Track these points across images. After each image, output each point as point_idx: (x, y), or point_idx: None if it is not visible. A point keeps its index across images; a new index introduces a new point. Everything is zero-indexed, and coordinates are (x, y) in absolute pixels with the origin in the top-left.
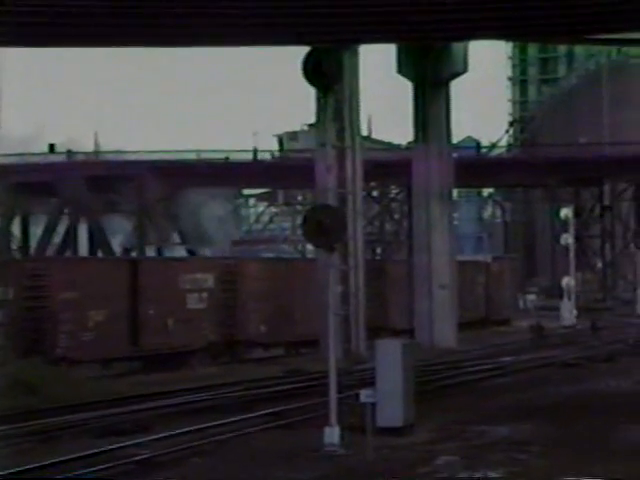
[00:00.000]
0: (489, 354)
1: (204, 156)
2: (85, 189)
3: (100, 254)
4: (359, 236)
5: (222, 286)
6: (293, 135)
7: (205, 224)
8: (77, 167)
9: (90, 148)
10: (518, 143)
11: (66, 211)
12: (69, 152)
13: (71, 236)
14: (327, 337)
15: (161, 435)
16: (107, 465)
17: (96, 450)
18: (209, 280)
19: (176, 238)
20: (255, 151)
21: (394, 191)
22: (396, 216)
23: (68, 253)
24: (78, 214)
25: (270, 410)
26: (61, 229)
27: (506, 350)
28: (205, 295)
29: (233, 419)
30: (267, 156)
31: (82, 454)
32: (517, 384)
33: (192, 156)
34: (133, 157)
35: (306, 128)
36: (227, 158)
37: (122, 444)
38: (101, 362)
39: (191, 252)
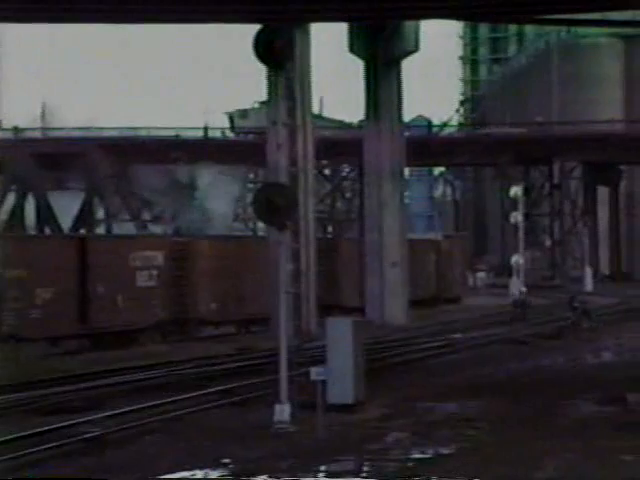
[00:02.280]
0: (439, 331)
1: (154, 133)
2: (33, 166)
3: (48, 231)
4: (310, 214)
5: (172, 264)
6: (244, 113)
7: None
8: (24, 144)
9: (38, 125)
10: (469, 122)
11: (13, 188)
12: (15, 129)
13: (18, 214)
14: (278, 315)
15: (112, 413)
16: (57, 443)
17: (46, 428)
18: (158, 258)
19: (145, 215)
20: (206, 129)
21: (346, 170)
22: (348, 195)
23: (15, 230)
24: (25, 191)
25: (221, 387)
26: (7, 206)
27: (456, 327)
28: (155, 273)
29: (184, 396)
30: (218, 134)
31: (31, 432)
32: (466, 361)
33: (143, 133)
34: (82, 134)
35: (257, 106)
36: (177, 136)
37: (72, 422)
38: (50, 340)
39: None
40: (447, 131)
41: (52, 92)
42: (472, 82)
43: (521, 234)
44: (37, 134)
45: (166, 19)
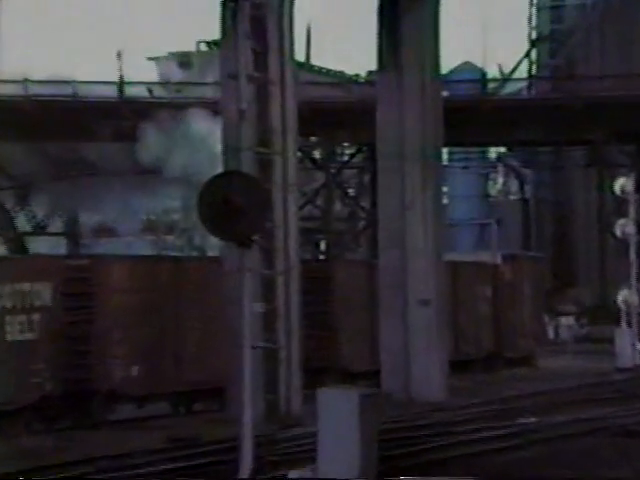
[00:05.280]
0: (499, 413)
1: (31, 92)
2: None
3: None
4: (292, 223)
5: (66, 302)
6: (184, 59)
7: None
8: None
9: None
10: (546, 74)
11: None
12: None
13: None
14: (239, 385)
15: None
16: None
17: None
18: (43, 293)
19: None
20: (121, 83)
21: (347, 151)
22: (350, 191)
23: None
24: None
25: None
26: None
27: (526, 407)
28: (37, 318)
29: None
30: (142, 92)
31: None
32: (542, 463)
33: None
34: None
35: (205, 49)
36: (75, 95)
37: None
38: None
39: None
40: (510, 88)
41: None
42: (551, 9)
43: (633, 255)
44: None
45: None
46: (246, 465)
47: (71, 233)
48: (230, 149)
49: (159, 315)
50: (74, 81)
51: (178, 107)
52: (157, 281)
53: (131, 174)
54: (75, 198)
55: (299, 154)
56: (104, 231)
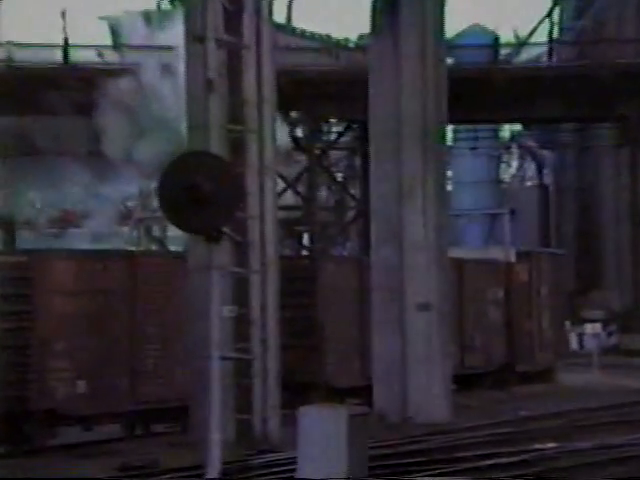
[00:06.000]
0: (511, 436)
1: None
2: None
3: None
4: (270, 212)
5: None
6: (139, 18)
7: None
8: None
9: None
10: (570, 38)
11: None
12: None
13: None
14: (206, 402)
15: None
16: None
17: None
18: None
19: None
20: (65, 47)
21: (335, 129)
22: (338, 175)
23: None
24: None
25: None
26: None
27: (544, 430)
28: None
29: None
30: (91, 57)
31: None
32: None
33: None
34: None
35: (167, 6)
36: (10, 62)
37: None
38: None
39: None
40: (527, 56)
41: None
42: None
43: None
44: None
45: None
46: None
47: (6, 223)
48: (196, 126)
49: (111, 321)
50: (9, 43)
51: (134, 74)
52: (109, 281)
53: (88, 154)
54: (24, 181)
55: (278, 132)
56: (65, 221)
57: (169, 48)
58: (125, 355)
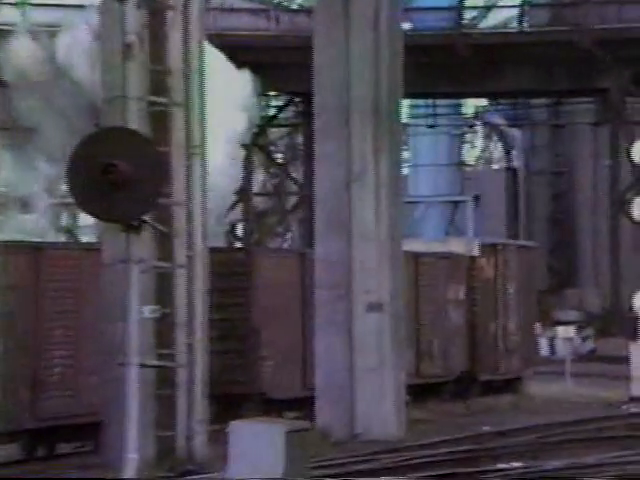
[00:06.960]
0: (471, 455)
1: None
2: None
3: None
4: (198, 198)
5: None
6: None
7: None
8: None
9: None
10: (542, 1)
11: None
12: None
13: None
14: (121, 417)
15: None
16: None
17: None
18: None
19: None
20: None
21: (274, 103)
22: (278, 157)
23: None
24: None
25: None
26: None
27: (508, 448)
28: None
29: None
30: None
31: None
32: None
33: None
34: None
35: None
36: None
37: None
38: None
39: None
40: (495, 20)
41: None
42: None
43: None
44: None
45: None
46: None
47: None
48: (112, 98)
49: (11, 324)
50: None
51: (38, 36)
52: (9, 277)
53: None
54: None
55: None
56: None
57: (81, 7)
58: (28, 363)
